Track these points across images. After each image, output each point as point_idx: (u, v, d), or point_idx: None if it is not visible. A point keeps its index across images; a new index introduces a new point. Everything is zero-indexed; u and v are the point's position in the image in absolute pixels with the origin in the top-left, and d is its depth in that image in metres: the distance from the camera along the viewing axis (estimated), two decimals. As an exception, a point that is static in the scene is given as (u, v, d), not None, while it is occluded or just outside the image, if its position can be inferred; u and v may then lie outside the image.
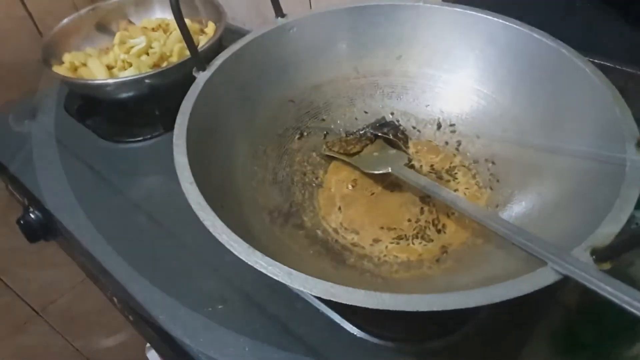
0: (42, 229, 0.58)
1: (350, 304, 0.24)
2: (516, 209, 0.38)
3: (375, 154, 0.44)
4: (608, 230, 0.26)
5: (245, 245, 0.27)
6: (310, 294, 0.28)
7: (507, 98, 0.44)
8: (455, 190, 0.42)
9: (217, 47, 0.58)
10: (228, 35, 0.62)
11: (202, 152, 0.36)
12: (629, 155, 0.30)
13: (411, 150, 0.46)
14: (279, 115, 0.47)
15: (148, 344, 0.79)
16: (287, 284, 0.25)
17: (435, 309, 0.23)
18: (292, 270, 0.26)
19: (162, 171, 0.54)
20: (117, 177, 0.54)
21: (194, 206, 0.30)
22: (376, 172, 0.41)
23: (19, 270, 0.93)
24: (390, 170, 0.40)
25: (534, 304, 0.38)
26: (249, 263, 0.26)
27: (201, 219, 0.30)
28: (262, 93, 0.46)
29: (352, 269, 0.36)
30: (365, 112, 0.49)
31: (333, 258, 0.37)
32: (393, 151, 0.44)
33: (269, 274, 0.26)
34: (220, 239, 0.28)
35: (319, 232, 0.40)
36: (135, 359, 0.87)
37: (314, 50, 0.48)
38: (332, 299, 0.24)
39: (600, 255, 0.25)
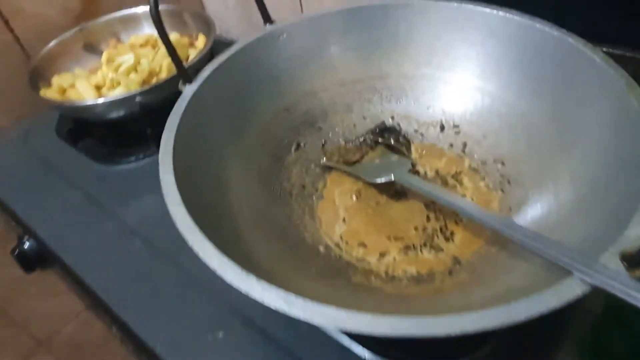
0: (37, 258, 0.55)
1: (356, 331, 0.22)
2: (531, 213, 0.35)
3: (377, 161, 0.42)
4: (637, 232, 0.24)
5: (238, 269, 0.25)
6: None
7: (513, 94, 0.41)
8: (464, 195, 0.40)
9: (208, 60, 0.56)
10: (221, 48, 0.60)
11: (191, 169, 0.34)
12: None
13: (414, 155, 0.44)
14: (273, 125, 0.45)
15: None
16: (285, 312, 0.23)
17: (452, 333, 0.20)
18: (289, 295, 0.23)
19: (157, 192, 0.51)
20: (112, 201, 0.52)
21: (181, 228, 0.28)
22: (378, 181, 0.39)
23: (22, 300, 0.92)
24: (393, 179, 0.38)
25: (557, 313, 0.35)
26: (242, 290, 0.24)
27: (189, 242, 0.27)
28: (254, 103, 0.44)
29: (359, 288, 0.33)
30: (364, 118, 0.47)
31: (337, 276, 0.34)
32: (395, 157, 0.41)
33: (265, 303, 0.23)
34: (210, 264, 0.26)
35: (321, 248, 0.37)
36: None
37: (306, 56, 0.46)
38: (336, 327, 0.22)
39: (631, 260, 0.22)
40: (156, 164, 0.56)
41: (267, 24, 0.45)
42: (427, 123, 0.46)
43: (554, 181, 0.36)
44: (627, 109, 0.31)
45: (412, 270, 0.35)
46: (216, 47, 0.59)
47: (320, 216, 0.40)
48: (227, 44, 0.71)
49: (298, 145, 0.45)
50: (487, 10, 0.41)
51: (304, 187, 0.43)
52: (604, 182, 0.31)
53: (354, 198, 0.41)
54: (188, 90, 0.38)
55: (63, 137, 0.61)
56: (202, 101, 0.39)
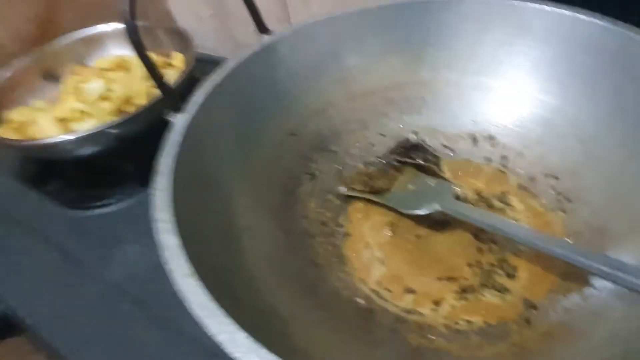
0: (5, 325, 0.47)
1: None
2: (609, 236, 0.30)
3: (411, 186, 0.36)
4: None
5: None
6: None
7: (556, 96, 0.36)
8: (516, 219, 0.34)
9: (189, 81, 0.49)
10: (200, 66, 0.53)
11: (196, 223, 0.27)
12: None
13: (447, 174, 0.38)
14: (279, 154, 0.38)
15: None
16: None
17: None
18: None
19: (144, 239, 0.44)
20: (90, 254, 0.44)
21: (200, 313, 0.21)
22: (421, 212, 0.33)
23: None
24: (440, 208, 0.32)
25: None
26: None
27: (213, 333, 0.20)
28: (257, 130, 0.37)
29: (420, 352, 0.27)
30: (382, 135, 0.41)
31: (391, 338, 0.28)
32: (433, 181, 0.35)
33: None
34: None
35: (359, 300, 0.31)
36: None
37: (311, 70, 0.40)
38: None
39: None
40: (140, 204, 0.49)
41: (264, 35, 0.38)
42: (456, 136, 0.40)
43: (627, 190, 0.30)
44: None
45: (478, 320, 0.29)
46: (195, 65, 0.52)
47: (350, 258, 0.34)
48: (204, 60, 0.64)
49: (312, 175, 0.38)
50: (515, 2, 0.36)
51: (324, 223, 0.36)
52: None
53: (389, 233, 0.34)
54: (180, 121, 0.31)
55: (26, 181, 0.53)
56: (198, 134, 0.32)
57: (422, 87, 0.41)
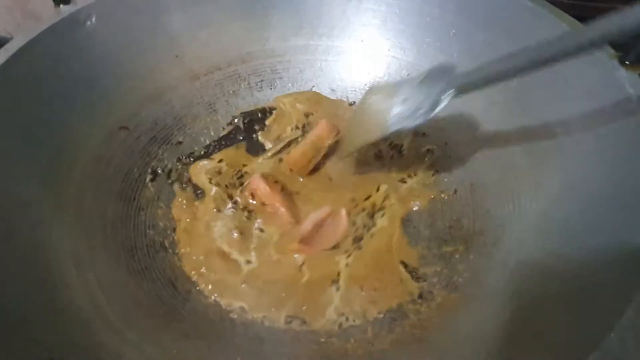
0: None
1: None
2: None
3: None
4: None
5: None
6: None
7: (409, 52, 0.34)
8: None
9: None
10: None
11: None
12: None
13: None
14: (110, 153, 0.30)
15: None
16: None
17: None
18: None
19: None
20: None
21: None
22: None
23: None
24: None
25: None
26: None
27: None
28: (69, 127, 0.29)
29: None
30: (234, 118, 0.35)
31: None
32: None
33: None
34: None
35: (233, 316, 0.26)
36: None
37: (132, 45, 0.32)
38: None
39: None
40: None
41: (61, 5, 0.29)
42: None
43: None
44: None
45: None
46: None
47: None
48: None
49: (154, 174, 0.31)
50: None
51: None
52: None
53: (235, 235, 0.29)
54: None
55: None
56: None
57: (272, 57, 0.36)
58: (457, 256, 0.27)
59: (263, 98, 0.36)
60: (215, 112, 0.35)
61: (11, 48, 0.27)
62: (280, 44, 0.36)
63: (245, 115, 0.35)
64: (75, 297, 0.23)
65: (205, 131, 0.34)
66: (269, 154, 0.33)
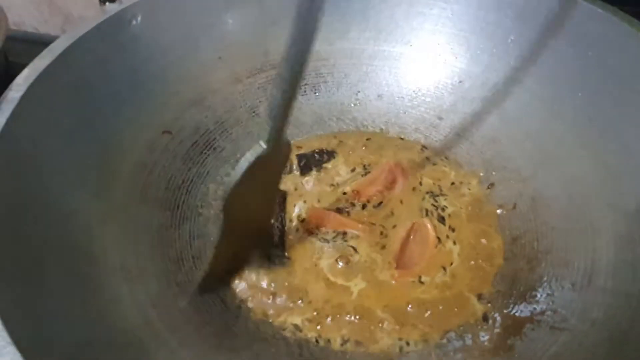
0: None
1: None
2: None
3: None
4: None
5: None
6: None
7: (461, 58, 0.33)
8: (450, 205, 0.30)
9: (3, 71, 0.36)
10: (14, 47, 0.39)
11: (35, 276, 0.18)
12: None
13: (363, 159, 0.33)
14: (154, 159, 0.29)
15: None
16: None
17: None
18: None
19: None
20: None
21: None
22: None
23: None
24: None
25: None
26: None
27: None
28: (112, 132, 0.27)
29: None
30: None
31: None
32: None
33: None
34: None
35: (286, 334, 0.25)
36: None
37: (176, 46, 0.31)
38: None
39: None
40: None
41: (107, 3, 0.28)
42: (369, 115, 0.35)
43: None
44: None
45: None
46: (8, 46, 0.39)
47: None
48: (23, 40, 0.49)
49: (199, 181, 0.30)
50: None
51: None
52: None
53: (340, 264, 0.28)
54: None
55: None
56: (19, 146, 0.22)
57: (316, 60, 0.35)
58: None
59: (307, 102, 0.35)
60: (257, 116, 0.34)
61: (56, 49, 0.26)
62: (325, 47, 0.35)
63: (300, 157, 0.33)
64: (127, 314, 0.22)
65: (247, 137, 0.33)
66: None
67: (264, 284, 0.26)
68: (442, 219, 0.29)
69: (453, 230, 0.28)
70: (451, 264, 0.27)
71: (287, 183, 0.31)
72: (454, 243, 0.28)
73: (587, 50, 0.28)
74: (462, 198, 0.30)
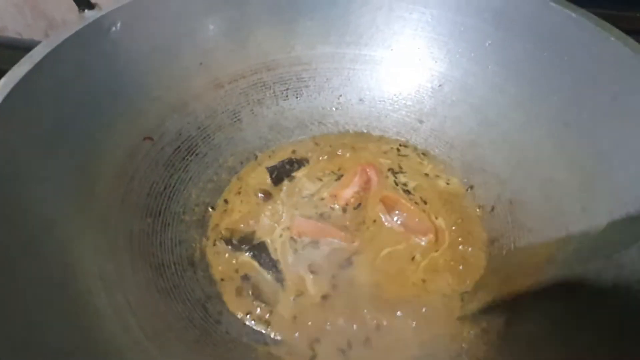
0: None
1: None
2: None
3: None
4: None
5: None
6: None
7: (441, 61, 0.33)
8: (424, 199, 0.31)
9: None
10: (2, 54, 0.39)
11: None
12: None
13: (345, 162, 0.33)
14: (135, 166, 0.29)
15: None
16: None
17: None
18: None
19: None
20: None
21: None
22: None
23: None
24: None
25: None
26: None
27: None
28: (94, 139, 0.27)
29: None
30: (258, 126, 0.34)
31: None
32: None
33: None
34: None
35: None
36: None
37: (157, 52, 0.31)
38: None
39: None
40: None
41: (86, 10, 0.28)
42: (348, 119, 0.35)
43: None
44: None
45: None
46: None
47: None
48: (6, 45, 0.49)
49: (181, 186, 0.30)
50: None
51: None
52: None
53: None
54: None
55: None
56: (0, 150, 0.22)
57: (298, 65, 0.35)
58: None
59: (288, 107, 0.35)
60: (240, 122, 0.34)
61: (35, 56, 0.25)
62: (306, 51, 0.35)
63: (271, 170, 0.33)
64: (106, 321, 0.22)
65: (229, 142, 0.33)
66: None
67: (247, 292, 0.26)
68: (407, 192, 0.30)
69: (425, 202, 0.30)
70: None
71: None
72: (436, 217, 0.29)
73: (563, 54, 0.28)
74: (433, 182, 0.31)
